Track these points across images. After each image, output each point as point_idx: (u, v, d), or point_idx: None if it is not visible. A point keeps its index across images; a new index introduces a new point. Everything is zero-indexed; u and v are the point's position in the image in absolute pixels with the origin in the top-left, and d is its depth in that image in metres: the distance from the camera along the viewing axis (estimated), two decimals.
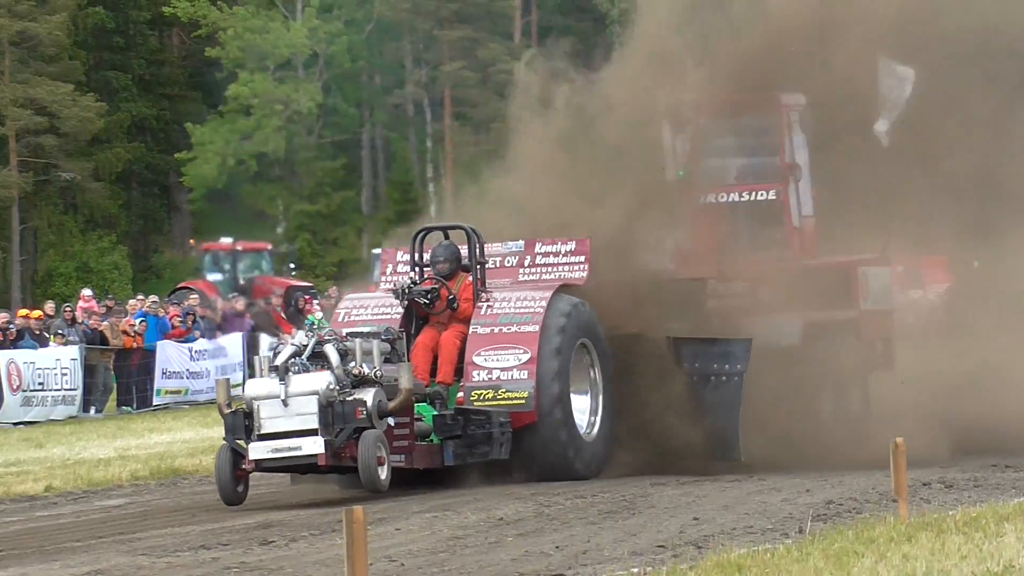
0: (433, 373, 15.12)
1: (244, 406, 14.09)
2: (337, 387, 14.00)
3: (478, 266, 15.52)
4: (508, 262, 16.14)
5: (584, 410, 15.33)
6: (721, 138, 17.49)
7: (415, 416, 14.69)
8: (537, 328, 15.09)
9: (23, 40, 45.36)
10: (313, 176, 52.18)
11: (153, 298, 31.53)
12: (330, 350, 14.22)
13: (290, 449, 13.94)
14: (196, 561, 10.30)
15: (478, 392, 15.08)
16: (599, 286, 15.50)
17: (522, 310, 15.31)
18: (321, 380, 13.99)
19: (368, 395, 13.88)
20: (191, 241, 50.76)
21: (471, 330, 15.31)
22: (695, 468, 14.43)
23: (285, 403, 13.95)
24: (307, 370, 14.13)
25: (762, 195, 17.21)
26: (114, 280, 46.43)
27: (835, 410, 16.34)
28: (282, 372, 14.23)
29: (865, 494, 12.27)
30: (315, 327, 14.99)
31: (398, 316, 15.47)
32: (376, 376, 14.09)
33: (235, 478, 13.97)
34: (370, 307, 15.86)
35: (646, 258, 15.87)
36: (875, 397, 16.81)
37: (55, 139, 45.49)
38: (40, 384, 26.51)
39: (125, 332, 28.55)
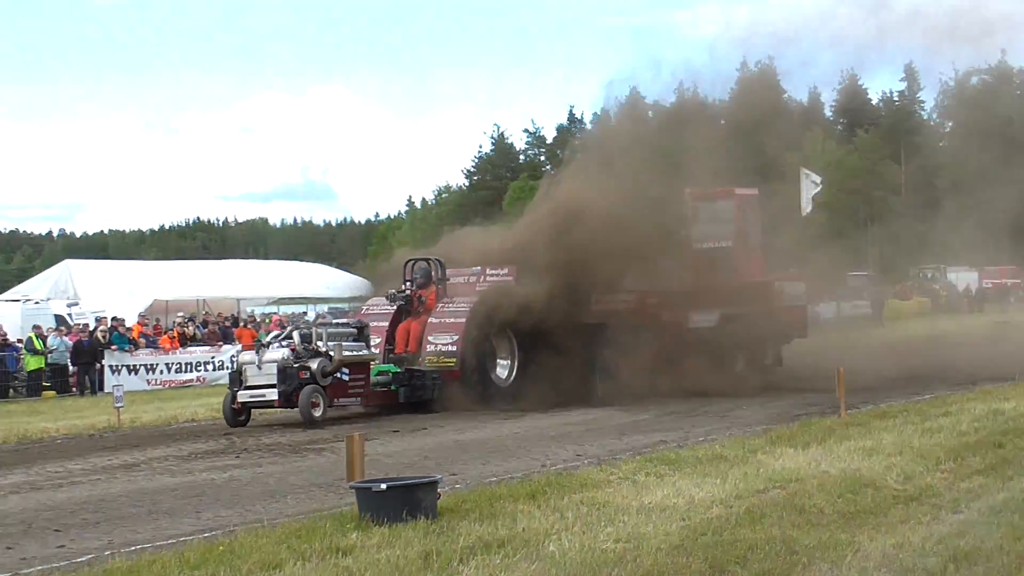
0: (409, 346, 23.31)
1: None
2: (292, 357, 21.28)
3: (440, 282, 24.11)
4: (470, 280, 24.73)
5: (506, 367, 23.77)
6: (705, 212, 28.26)
7: (380, 373, 22.59)
8: (464, 320, 23.28)
9: None
10: None
11: None
12: (295, 333, 21.78)
13: (260, 396, 21.28)
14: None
15: (429, 358, 23.23)
16: (526, 294, 23.39)
17: (459, 308, 23.74)
18: (279, 353, 21.38)
19: (315, 363, 21.22)
20: None
21: (430, 320, 23.58)
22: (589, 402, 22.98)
23: (259, 367, 21.38)
24: (280, 346, 21.45)
25: (723, 244, 28.05)
26: None
27: (746, 365, 26.94)
28: (258, 347, 22.00)
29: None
30: (295, 317, 23.37)
31: (392, 311, 23.96)
32: (322, 350, 21.38)
33: (233, 411, 21.32)
34: (381, 305, 24.42)
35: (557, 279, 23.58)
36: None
37: None
38: None
39: None
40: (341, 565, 8.73)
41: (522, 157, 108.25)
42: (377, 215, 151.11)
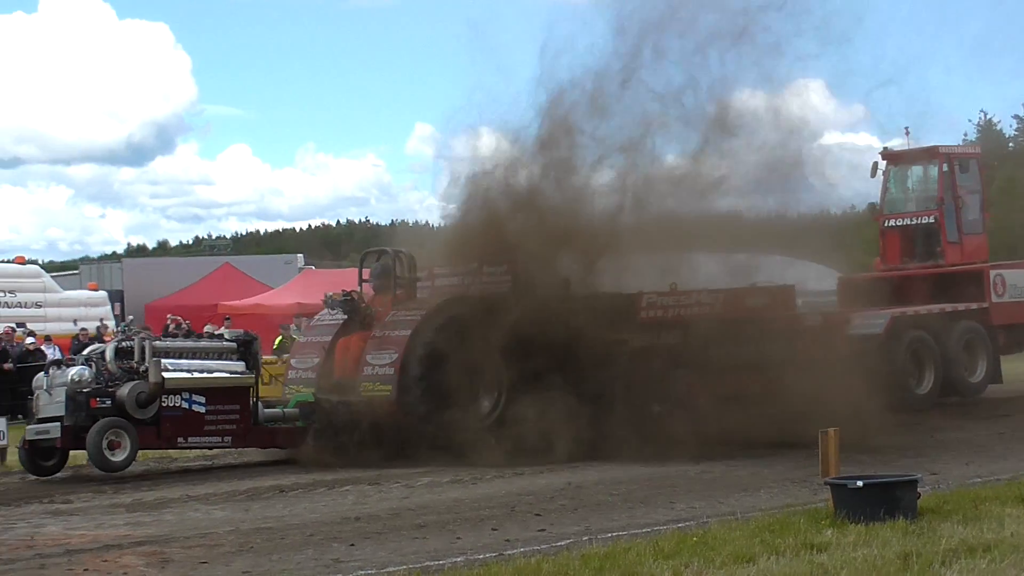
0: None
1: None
2: (90, 380, 15.53)
3: (404, 282, 17.74)
4: (464, 280, 18.05)
5: (489, 402, 16.97)
6: (898, 178, 23.30)
7: (299, 404, 16.80)
8: (408, 333, 16.64)
9: None
10: None
11: None
12: (108, 350, 16.11)
13: (44, 432, 15.65)
14: None
15: (365, 384, 16.76)
16: (527, 301, 16.73)
17: (406, 318, 17.11)
18: (71, 373, 15.57)
19: (125, 388, 15.42)
20: None
21: (373, 333, 17.17)
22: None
23: (50, 393, 15.75)
24: (81, 365, 15.73)
25: (924, 220, 22.61)
26: None
27: (934, 384, 20.69)
28: (49, 366, 16.18)
29: None
30: (126, 329, 17.03)
31: (339, 323, 17.80)
32: (142, 371, 15.61)
33: (26, 452, 15.86)
34: (327, 315, 18.36)
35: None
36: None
37: None
38: None
39: None
40: (816, 562, 8.56)
41: (1011, 145, 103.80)
42: None
